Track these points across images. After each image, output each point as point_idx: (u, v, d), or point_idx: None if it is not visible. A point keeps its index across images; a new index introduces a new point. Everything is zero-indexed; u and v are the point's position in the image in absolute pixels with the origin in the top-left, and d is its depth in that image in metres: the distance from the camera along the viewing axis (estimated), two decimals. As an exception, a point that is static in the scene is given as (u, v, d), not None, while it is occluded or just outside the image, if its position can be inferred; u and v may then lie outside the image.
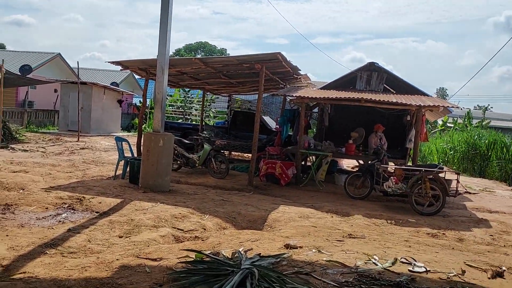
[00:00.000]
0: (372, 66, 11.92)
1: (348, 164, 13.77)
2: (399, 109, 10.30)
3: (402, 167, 8.53)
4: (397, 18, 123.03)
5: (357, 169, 9.74)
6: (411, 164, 9.57)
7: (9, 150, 11.55)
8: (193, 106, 24.27)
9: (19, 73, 18.23)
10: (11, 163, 9.31)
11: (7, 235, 4.39)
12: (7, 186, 6.81)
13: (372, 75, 11.72)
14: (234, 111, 15.94)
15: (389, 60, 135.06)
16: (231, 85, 13.31)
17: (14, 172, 8.17)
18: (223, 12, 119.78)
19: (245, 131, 13.30)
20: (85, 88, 18.93)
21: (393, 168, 8.41)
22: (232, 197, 7.52)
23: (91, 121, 19.69)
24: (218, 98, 22.53)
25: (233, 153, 14.54)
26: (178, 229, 5.19)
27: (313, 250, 4.20)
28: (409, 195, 7.68)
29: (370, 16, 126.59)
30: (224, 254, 3.84)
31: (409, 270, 3.71)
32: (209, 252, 3.90)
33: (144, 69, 10.51)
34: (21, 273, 3.45)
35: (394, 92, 11.39)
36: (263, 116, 13.70)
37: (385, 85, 11.69)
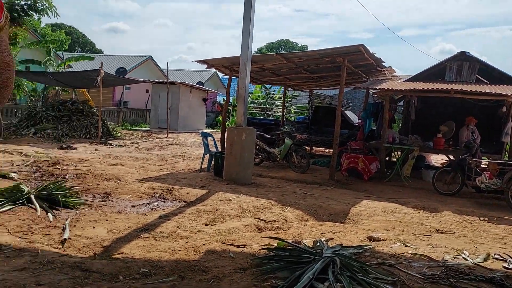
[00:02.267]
0: (463, 56, 11.12)
1: (436, 160, 12.98)
2: (493, 100, 9.48)
3: (497, 161, 7.85)
4: (491, 5, 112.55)
5: (446, 164, 9.16)
6: (507, 159, 8.77)
7: (107, 145, 12.67)
8: (274, 103, 24.54)
9: (115, 75, 19.91)
10: (109, 157, 10.21)
11: (106, 220, 4.84)
12: (106, 177, 7.49)
13: (463, 65, 10.93)
14: (315, 106, 15.82)
15: (483, 51, 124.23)
16: (312, 80, 13.25)
17: (112, 165, 8.96)
18: (304, 9, 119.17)
19: (326, 126, 13.15)
20: (174, 88, 20.07)
21: (487, 163, 7.78)
22: (313, 191, 7.51)
23: (179, 118, 20.84)
24: (299, 94, 22.53)
25: (314, 148, 14.47)
26: (260, 219, 5.33)
27: (398, 243, 4.06)
28: (504, 191, 7.05)
29: (461, 5, 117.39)
30: (306, 243, 3.87)
31: (503, 267, 3.43)
32: (291, 241, 3.95)
33: (228, 66, 10.88)
34: (119, 253, 3.79)
35: (488, 82, 10.51)
36: (344, 111, 13.44)
37: (477, 75, 10.84)
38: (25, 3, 11.40)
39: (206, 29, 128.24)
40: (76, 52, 45.11)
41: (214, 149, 9.65)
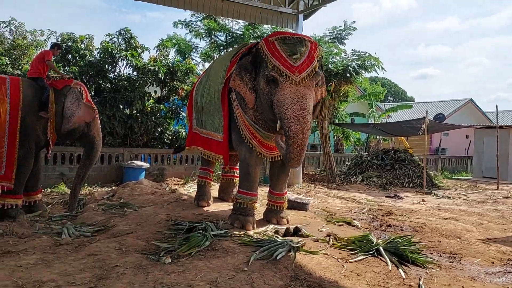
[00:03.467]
0: None
1: None
2: None
3: None
4: None
5: None
6: None
7: (432, 196, 12.10)
8: None
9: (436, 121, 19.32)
10: (439, 209, 9.61)
11: (462, 286, 4.33)
12: (443, 233, 6.96)
13: None
14: None
15: None
16: None
17: (445, 219, 8.33)
18: None
19: None
20: (501, 132, 17.61)
21: None
22: None
23: (509, 166, 17.99)
24: None
25: None
26: None
27: None
28: None
29: None
30: None
31: None
32: None
33: None
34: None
35: None
36: None
37: None
38: (356, 63, 12.63)
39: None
40: (388, 102, 47.25)
41: None
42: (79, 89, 6.74)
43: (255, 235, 5.42)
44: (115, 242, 4.96)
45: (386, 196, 11.22)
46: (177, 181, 11.65)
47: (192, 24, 17.70)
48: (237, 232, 5.46)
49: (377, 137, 18.20)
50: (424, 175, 13.05)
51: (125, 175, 10.86)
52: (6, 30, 13.01)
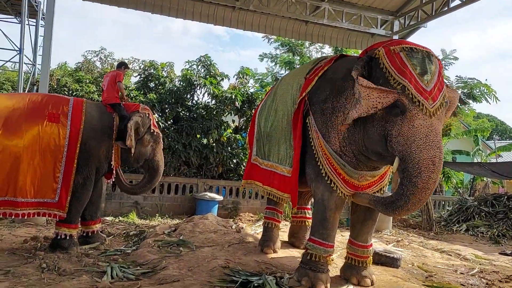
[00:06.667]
0: None
1: None
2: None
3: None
4: None
5: None
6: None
7: None
8: None
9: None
10: None
11: None
12: None
13: None
14: None
15: None
16: None
17: None
18: None
19: None
20: None
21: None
22: None
23: None
24: None
25: None
26: None
27: None
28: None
29: None
30: None
31: None
32: None
33: None
34: None
35: None
36: None
37: None
38: (461, 91, 10.86)
39: None
40: (496, 140, 42.26)
41: None
42: (147, 115, 6.33)
43: (328, 299, 4.23)
44: (154, 292, 4.12)
45: (500, 253, 9.11)
46: (251, 217, 10.77)
47: (278, 56, 17.44)
48: (304, 293, 4.32)
49: (485, 179, 15.64)
50: (550, 228, 10.57)
51: (198, 207, 10.30)
52: (97, 59, 13.64)
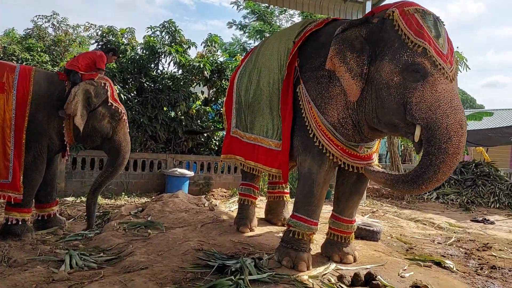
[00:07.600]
0: None
1: None
2: None
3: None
4: None
5: None
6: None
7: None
8: None
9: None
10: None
11: None
12: None
13: None
14: None
15: None
16: None
17: None
18: None
19: None
20: None
21: None
22: None
23: None
24: None
25: None
26: None
27: None
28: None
29: None
30: None
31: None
32: None
33: None
34: None
35: None
36: None
37: None
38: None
39: None
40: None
41: None
42: (102, 84, 5.60)
43: (311, 281, 3.90)
44: (119, 283, 3.66)
45: (472, 220, 9.18)
46: (224, 192, 10.38)
47: (247, 25, 16.78)
48: (285, 275, 3.97)
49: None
50: (517, 194, 10.77)
51: (168, 184, 9.81)
52: (49, 25, 12.41)
